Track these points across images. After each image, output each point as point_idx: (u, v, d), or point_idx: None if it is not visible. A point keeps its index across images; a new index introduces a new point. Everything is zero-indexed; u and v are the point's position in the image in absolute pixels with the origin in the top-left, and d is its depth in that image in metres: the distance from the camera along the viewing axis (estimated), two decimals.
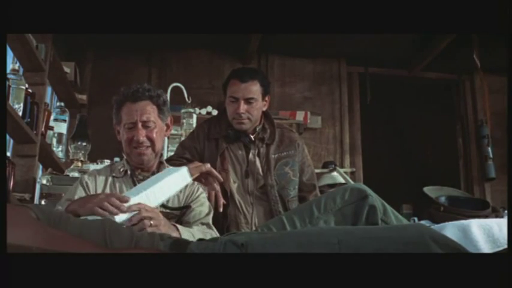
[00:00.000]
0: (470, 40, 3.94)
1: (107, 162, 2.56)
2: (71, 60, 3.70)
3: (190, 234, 1.54)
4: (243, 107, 2.10)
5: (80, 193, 1.68)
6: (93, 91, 4.05)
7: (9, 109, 2.19)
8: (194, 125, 2.87)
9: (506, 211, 2.40)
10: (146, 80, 4.03)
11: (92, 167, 2.56)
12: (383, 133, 5.55)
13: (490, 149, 4.40)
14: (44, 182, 2.47)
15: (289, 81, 4.43)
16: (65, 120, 3.02)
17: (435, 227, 1.93)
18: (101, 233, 1.16)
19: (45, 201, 2.44)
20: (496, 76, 4.46)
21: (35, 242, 0.96)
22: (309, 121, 4.23)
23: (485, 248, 1.74)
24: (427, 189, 2.46)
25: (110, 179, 1.76)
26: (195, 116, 2.99)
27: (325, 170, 3.62)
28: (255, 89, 2.13)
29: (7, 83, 2.21)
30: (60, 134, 2.99)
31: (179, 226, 1.57)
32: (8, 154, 2.47)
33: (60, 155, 2.98)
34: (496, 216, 2.21)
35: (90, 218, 1.37)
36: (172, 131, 2.26)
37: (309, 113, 4.25)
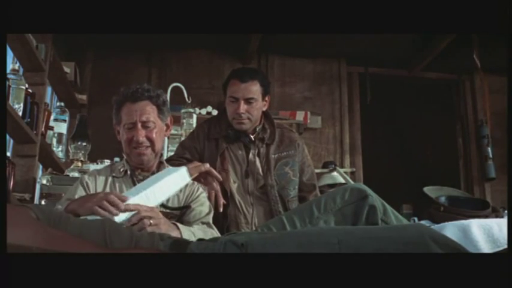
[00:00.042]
0: (470, 40, 3.94)
1: (107, 162, 2.56)
2: (71, 60, 3.70)
3: (191, 233, 1.54)
4: (243, 107, 2.10)
5: (80, 193, 1.68)
6: (93, 91, 4.06)
7: (9, 109, 2.19)
8: (194, 125, 2.87)
9: (506, 211, 2.40)
10: (146, 80, 4.04)
11: (92, 167, 2.56)
12: (383, 133, 5.55)
13: (490, 149, 4.40)
14: (44, 182, 2.47)
15: (289, 81, 4.43)
16: (65, 120, 3.01)
17: (435, 227, 1.93)
18: (100, 233, 1.16)
19: (45, 201, 2.44)
20: (496, 76, 4.47)
21: (35, 242, 0.96)
22: (309, 121, 4.23)
23: (485, 248, 1.74)
24: (427, 189, 2.46)
25: (110, 179, 1.77)
26: (195, 116, 2.99)
27: (325, 170, 3.62)
28: (255, 89, 2.13)
29: (7, 83, 2.21)
30: (60, 134, 2.99)
31: (180, 225, 1.56)
32: (8, 154, 2.47)
33: (60, 155, 2.98)
34: (496, 216, 2.21)
35: (90, 218, 1.37)
36: (172, 131, 2.26)
37: (309, 113, 4.25)
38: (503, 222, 1.86)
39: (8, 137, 2.52)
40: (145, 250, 1.07)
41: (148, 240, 1.17)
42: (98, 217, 1.37)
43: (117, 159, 2.53)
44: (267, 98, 2.20)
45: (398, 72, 4.62)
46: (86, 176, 1.78)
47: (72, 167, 2.66)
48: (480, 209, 2.33)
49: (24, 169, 2.61)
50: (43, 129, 2.77)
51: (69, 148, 2.73)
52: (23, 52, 2.55)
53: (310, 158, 2.36)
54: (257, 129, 2.19)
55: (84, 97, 3.89)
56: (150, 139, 1.72)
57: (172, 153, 2.46)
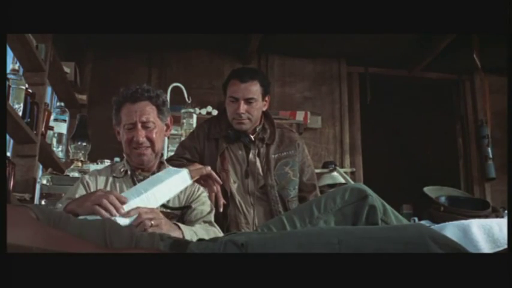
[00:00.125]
0: (470, 40, 3.94)
1: (107, 162, 2.56)
2: (71, 60, 3.70)
3: (193, 232, 1.54)
4: (243, 107, 2.10)
5: (81, 192, 1.68)
6: (93, 91, 4.05)
7: (9, 109, 2.19)
8: (194, 125, 2.87)
9: (506, 211, 2.40)
10: (146, 80, 4.04)
11: (92, 167, 2.56)
12: (383, 133, 5.55)
13: (490, 149, 4.40)
14: (44, 182, 2.47)
15: (289, 81, 4.43)
16: (65, 120, 3.01)
17: (435, 227, 1.93)
18: (101, 233, 1.16)
19: (45, 201, 2.45)
20: (496, 76, 4.46)
21: (35, 242, 0.96)
22: (309, 121, 4.23)
23: (485, 248, 1.74)
24: (427, 189, 2.46)
25: (111, 179, 1.77)
26: (195, 116, 2.99)
27: (325, 170, 3.62)
28: (255, 89, 2.13)
29: (7, 83, 2.21)
30: (60, 134, 2.99)
31: (181, 225, 1.56)
32: (8, 154, 2.47)
33: (60, 155, 2.98)
34: (496, 216, 2.21)
35: (90, 218, 1.37)
36: (172, 131, 2.26)
37: (309, 113, 4.25)
38: (503, 222, 1.86)
39: (8, 137, 2.52)
40: (146, 250, 1.07)
41: (148, 240, 1.17)
42: (98, 217, 1.37)
43: (117, 159, 2.53)
44: (267, 98, 2.20)
45: (398, 72, 4.62)
46: (87, 176, 1.78)
47: (72, 167, 2.66)
48: (480, 209, 2.33)
49: (24, 169, 2.61)
50: (43, 129, 2.77)
51: (69, 148, 2.73)
52: (23, 52, 2.55)
53: (310, 158, 2.36)
54: (257, 129, 2.19)
55: (84, 97, 3.89)
56: (150, 139, 1.72)
57: (172, 153, 2.46)
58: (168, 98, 2.66)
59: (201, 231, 1.57)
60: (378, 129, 5.32)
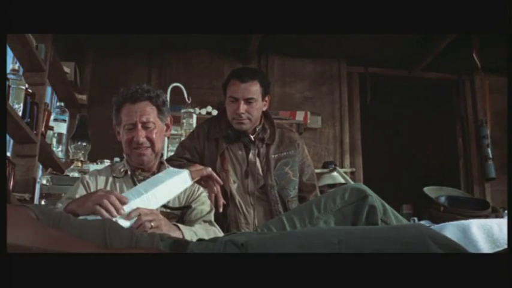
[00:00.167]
0: (470, 40, 3.94)
1: (107, 162, 2.56)
2: (71, 60, 3.70)
3: (193, 232, 1.54)
4: (242, 107, 2.10)
5: (81, 192, 1.69)
6: (93, 91, 4.05)
7: (9, 109, 2.19)
8: (194, 125, 2.87)
9: (506, 211, 2.40)
10: (146, 80, 4.03)
11: (92, 167, 2.57)
12: (383, 133, 5.55)
13: (490, 149, 4.40)
14: (44, 182, 2.47)
15: (289, 81, 4.43)
16: (65, 120, 3.01)
17: (435, 227, 1.93)
18: (101, 233, 1.16)
19: (45, 201, 2.44)
20: (496, 76, 4.46)
21: (35, 242, 0.96)
22: (309, 121, 4.23)
23: (485, 248, 1.75)
24: (427, 189, 2.47)
25: (111, 179, 1.77)
26: (195, 116, 2.99)
27: (325, 170, 3.62)
28: (254, 89, 2.13)
29: (7, 83, 2.21)
30: (60, 134, 2.99)
31: (181, 225, 1.56)
32: (8, 154, 2.47)
33: (60, 155, 2.98)
34: (496, 216, 2.22)
35: (90, 218, 1.37)
36: (172, 131, 2.26)
37: (309, 113, 4.25)
38: (503, 222, 1.86)
39: (8, 137, 2.52)
40: (145, 250, 1.07)
41: (148, 241, 1.17)
42: (98, 217, 1.37)
43: (117, 159, 2.53)
44: (267, 98, 2.20)
45: (398, 72, 4.62)
46: (87, 176, 1.78)
47: (72, 167, 2.66)
48: (480, 209, 2.33)
49: (24, 169, 2.61)
50: (43, 129, 2.77)
51: (69, 148, 2.73)
52: (23, 52, 2.55)
53: (310, 158, 2.36)
54: (257, 129, 2.19)
55: (84, 97, 3.89)
56: (150, 139, 1.72)
57: (172, 153, 2.46)
58: (168, 98, 2.67)
59: (200, 231, 1.57)
60: (378, 129, 5.32)
